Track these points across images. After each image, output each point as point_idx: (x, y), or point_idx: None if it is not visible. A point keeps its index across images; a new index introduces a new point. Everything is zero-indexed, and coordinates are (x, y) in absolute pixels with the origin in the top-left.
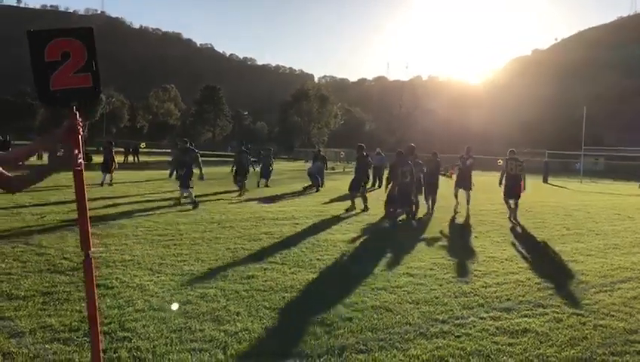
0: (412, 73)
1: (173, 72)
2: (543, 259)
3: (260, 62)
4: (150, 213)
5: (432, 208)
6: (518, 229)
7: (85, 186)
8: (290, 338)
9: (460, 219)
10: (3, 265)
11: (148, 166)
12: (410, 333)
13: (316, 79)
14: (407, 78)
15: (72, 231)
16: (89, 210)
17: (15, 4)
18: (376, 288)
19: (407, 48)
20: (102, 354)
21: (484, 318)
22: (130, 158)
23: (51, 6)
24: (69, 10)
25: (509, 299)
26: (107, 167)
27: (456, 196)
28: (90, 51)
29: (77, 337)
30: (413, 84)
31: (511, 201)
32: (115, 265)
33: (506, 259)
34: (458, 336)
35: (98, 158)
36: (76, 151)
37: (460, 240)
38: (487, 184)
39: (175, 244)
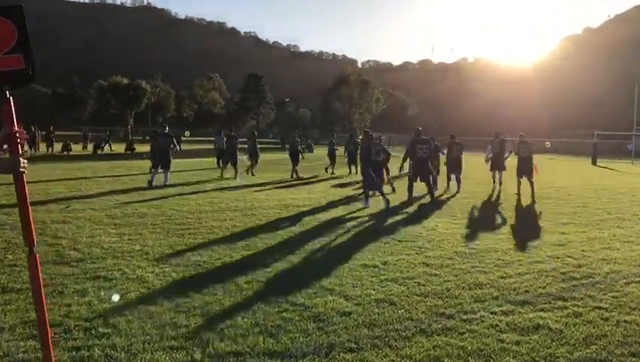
0: (457, 55)
1: (218, 60)
2: (574, 246)
3: (303, 49)
4: (176, 200)
5: (458, 187)
6: (549, 214)
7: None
8: (278, 334)
9: (494, 204)
10: (10, 256)
11: (188, 154)
12: (409, 330)
13: (359, 64)
14: (452, 61)
15: (91, 221)
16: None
17: None
18: (385, 279)
19: (452, 30)
20: (68, 354)
21: (495, 313)
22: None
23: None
24: (116, 3)
25: (527, 291)
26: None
27: (493, 179)
28: (22, 31)
29: (54, 334)
30: (459, 67)
31: (521, 180)
32: (123, 255)
33: (534, 247)
34: (462, 333)
35: (143, 148)
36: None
37: (489, 227)
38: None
39: (190, 233)
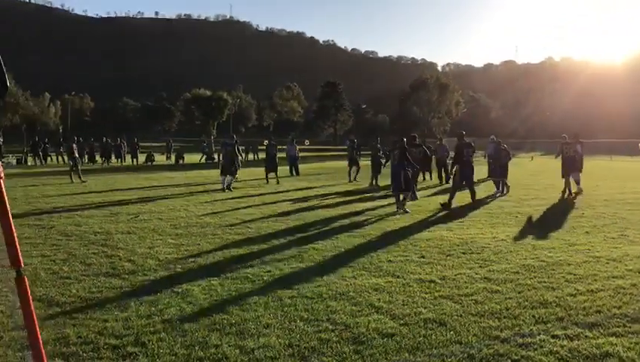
0: (543, 55)
1: (297, 70)
2: None
3: (381, 55)
4: (244, 209)
5: (503, 190)
6: (636, 222)
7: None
8: (311, 358)
9: (571, 210)
10: (66, 268)
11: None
12: (456, 355)
13: (439, 67)
14: (538, 61)
15: (154, 231)
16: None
17: (153, 16)
18: (440, 296)
19: (537, 29)
20: None
21: (558, 337)
22: (251, 156)
23: (185, 14)
24: (200, 18)
25: (598, 312)
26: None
27: (567, 182)
28: None
29: (83, 352)
30: (545, 67)
31: (569, 178)
32: (175, 267)
33: (614, 260)
34: (515, 360)
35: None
36: None
37: (563, 237)
38: (622, 170)
39: (247, 244)
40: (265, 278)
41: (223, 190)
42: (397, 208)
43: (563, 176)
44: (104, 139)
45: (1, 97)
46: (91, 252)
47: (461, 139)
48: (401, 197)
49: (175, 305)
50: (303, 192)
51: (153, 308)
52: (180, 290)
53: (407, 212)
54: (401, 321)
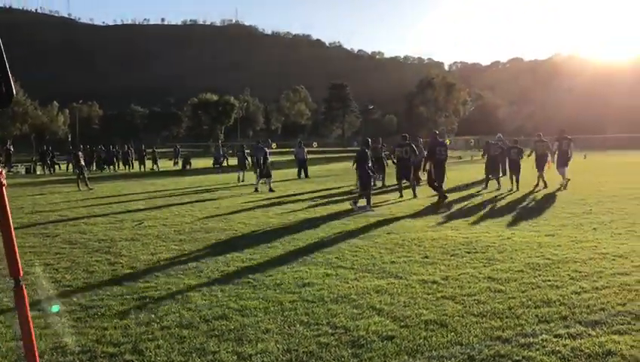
0: (550, 51)
1: (305, 72)
2: None
3: (387, 55)
4: (248, 213)
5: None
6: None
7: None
8: None
9: (579, 207)
10: (68, 276)
11: (273, 166)
12: (456, 357)
13: (446, 67)
14: (545, 57)
15: (158, 238)
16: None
17: (160, 23)
18: (442, 297)
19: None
20: None
21: (560, 336)
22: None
23: (191, 20)
24: (206, 23)
25: (603, 309)
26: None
27: (540, 176)
28: None
29: (80, 361)
30: (552, 64)
31: (562, 170)
32: (177, 274)
33: (620, 256)
34: (516, 361)
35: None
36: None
37: (571, 233)
38: (631, 165)
39: (250, 249)
40: (266, 283)
41: (256, 190)
42: (361, 206)
43: (538, 170)
44: (111, 146)
45: (7, 105)
46: (94, 260)
47: (434, 139)
48: (361, 196)
49: (175, 312)
50: (309, 195)
51: (153, 315)
52: (180, 297)
53: (359, 209)
54: (402, 323)
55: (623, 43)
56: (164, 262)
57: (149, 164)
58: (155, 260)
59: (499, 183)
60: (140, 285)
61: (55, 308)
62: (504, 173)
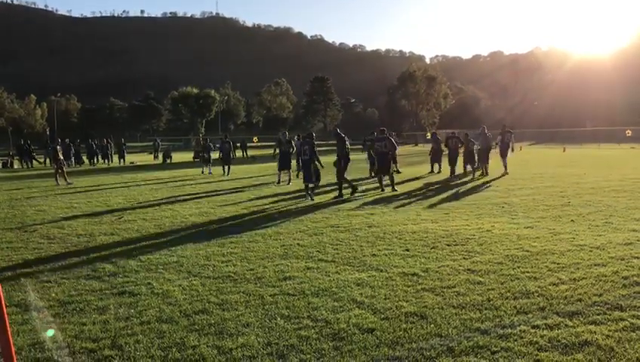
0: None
1: (286, 65)
2: None
3: (369, 49)
4: (229, 206)
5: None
6: (621, 209)
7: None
8: (289, 356)
9: (560, 200)
10: (46, 272)
11: (255, 160)
12: (435, 349)
13: (427, 60)
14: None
15: (138, 232)
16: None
17: (139, 15)
18: (422, 289)
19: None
20: None
21: (538, 327)
22: (239, 153)
23: (171, 13)
24: (187, 15)
25: (579, 300)
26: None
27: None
28: None
29: (58, 357)
30: (532, 57)
31: (504, 159)
32: (157, 268)
33: (597, 248)
34: (494, 352)
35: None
36: None
37: (550, 226)
38: (609, 158)
39: (231, 242)
40: (247, 277)
41: (277, 182)
42: (305, 197)
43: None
44: (89, 140)
45: None
46: (73, 255)
47: (380, 134)
48: (310, 186)
49: (155, 307)
50: (289, 187)
51: (132, 310)
52: (160, 291)
53: (312, 200)
54: (382, 316)
55: (602, 37)
56: (145, 257)
57: (128, 158)
58: (135, 254)
59: (474, 173)
60: (119, 280)
61: (50, 333)
62: (480, 163)
